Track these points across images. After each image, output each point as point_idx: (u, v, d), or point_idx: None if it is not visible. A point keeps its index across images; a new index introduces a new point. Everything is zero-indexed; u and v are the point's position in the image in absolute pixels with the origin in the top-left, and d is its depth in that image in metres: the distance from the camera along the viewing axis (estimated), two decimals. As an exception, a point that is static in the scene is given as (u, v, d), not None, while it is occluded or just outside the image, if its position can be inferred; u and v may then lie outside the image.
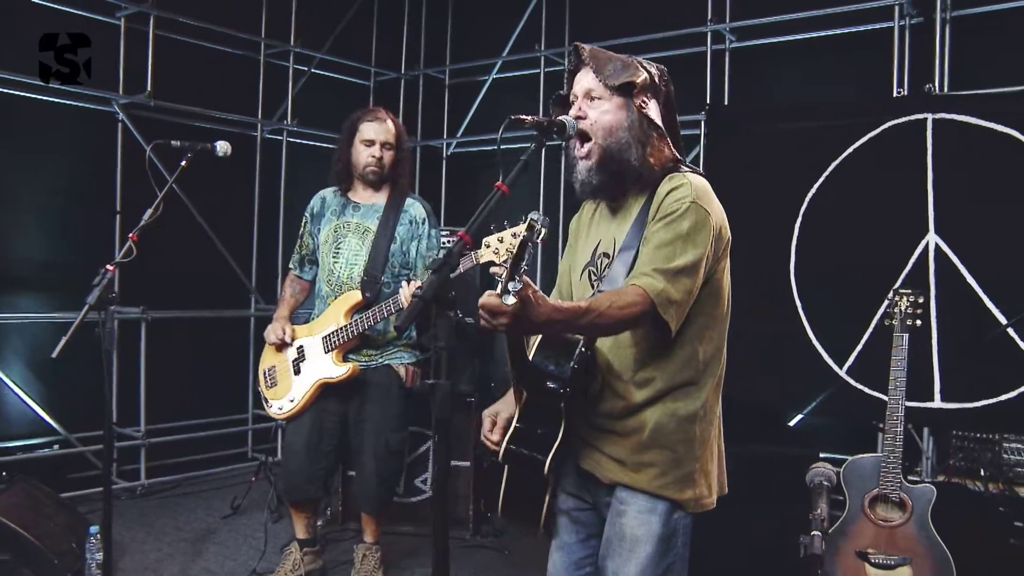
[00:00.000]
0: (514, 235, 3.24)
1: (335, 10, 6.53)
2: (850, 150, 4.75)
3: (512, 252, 1.68)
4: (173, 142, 3.27)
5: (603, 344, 2.18)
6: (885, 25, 4.92)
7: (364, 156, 3.83)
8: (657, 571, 2.13)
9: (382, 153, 3.83)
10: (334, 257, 3.87)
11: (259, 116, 6.02)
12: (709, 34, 5.49)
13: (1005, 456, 4.25)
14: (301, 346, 3.84)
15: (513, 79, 6.73)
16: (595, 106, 2.18)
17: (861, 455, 3.40)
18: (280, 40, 6.07)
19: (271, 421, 6.06)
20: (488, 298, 1.75)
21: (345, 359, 3.77)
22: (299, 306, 4.10)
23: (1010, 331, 4.22)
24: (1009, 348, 4.25)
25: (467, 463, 4.71)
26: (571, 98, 2.25)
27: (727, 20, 5.48)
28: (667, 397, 2.13)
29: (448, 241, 5.01)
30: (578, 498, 2.31)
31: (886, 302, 4.46)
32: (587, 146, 2.17)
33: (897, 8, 4.80)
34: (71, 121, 5.19)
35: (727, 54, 5.55)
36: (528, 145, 2.06)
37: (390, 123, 3.88)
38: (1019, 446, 4.25)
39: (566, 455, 2.17)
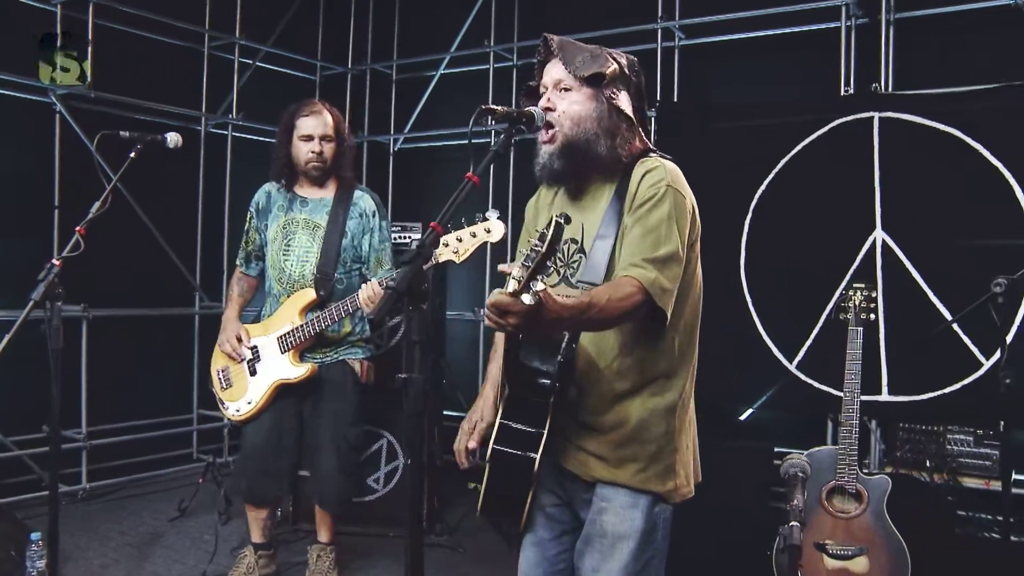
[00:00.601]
0: (472, 234, 3.22)
1: (280, 2, 6.40)
2: (799, 147, 4.81)
3: (538, 250, 1.62)
4: (122, 133, 3.16)
5: (583, 336, 2.16)
6: (832, 25, 5.00)
7: (304, 152, 3.74)
8: (636, 567, 2.14)
9: (322, 147, 3.74)
10: (284, 255, 3.78)
11: (203, 109, 5.88)
12: (659, 31, 5.52)
13: (949, 447, 4.36)
14: (255, 346, 3.76)
15: (461, 75, 6.68)
16: (564, 97, 2.19)
17: (817, 448, 3.45)
18: (225, 32, 5.92)
19: (217, 421, 5.95)
20: (500, 296, 1.70)
21: (302, 359, 3.70)
22: (247, 304, 4.00)
23: (955, 327, 4.31)
24: (953, 342, 4.34)
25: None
26: (540, 89, 2.24)
27: (676, 18, 5.51)
28: (646, 389, 2.15)
29: (399, 237, 4.97)
30: (554, 494, 2.30)
31: (836, 296, 4.58)
32: (551, 132, 2.17)
33: (844, 9, 4.88)
34: (6, 112, 4.99)
35: (676, 51, 5.58)
36: (485, 140, 2.04)
37: (327, 115, 3.77)
38: (963, 437, 4.36)
39: (550, 452, 2.15)
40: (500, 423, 2.16)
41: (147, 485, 5.42)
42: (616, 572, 2.12)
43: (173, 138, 3.26)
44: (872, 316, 3.49)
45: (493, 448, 2.14)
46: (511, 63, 6.34)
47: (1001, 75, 4.48)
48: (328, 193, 3.83)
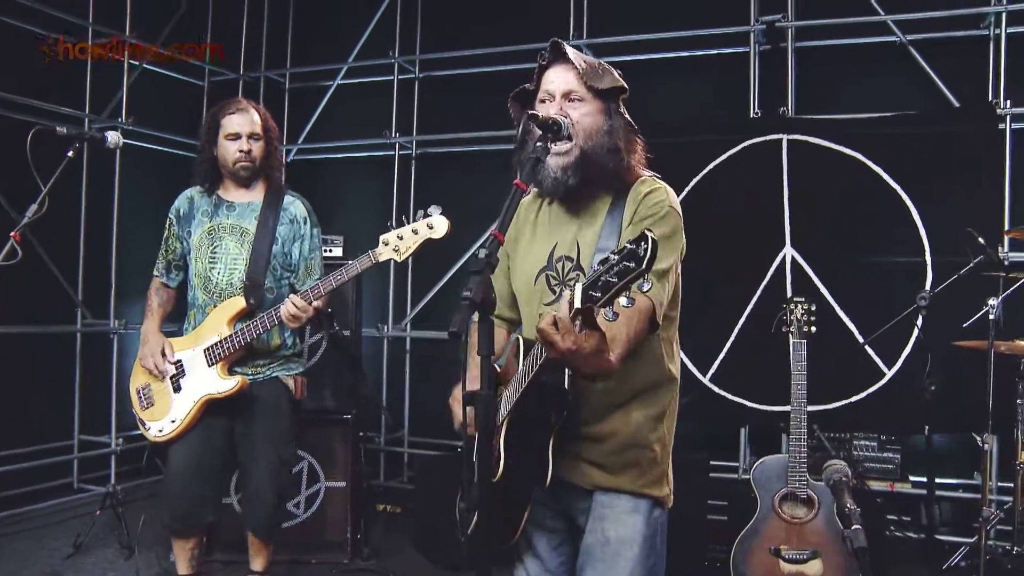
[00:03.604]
0: (414, 231, 3.13)
1: (168, 1, 6.04)
2: (711, 166, 4.98)
3: (629, 268, 1.56)
4: (59, 128, 2.87)
5: None
6: (740, 50, 5.23)
7: (232, 152, 3.51)
8: (643, 573, 2.13)
9: (250, 146, 3.53)
10: (211, 262, 3.53)
11: (87, 111, 5.44)
12: (570, 49, 5.57)
13: (856, 453, 4.61)
14: (179, 361, 3.47)
15: (359, 85, 6.50)
16: (575, 107, 2.14)
17: (768, 456, 3.55)
18: (112, 28, 5.51)
19: (102, 448, 5.49)
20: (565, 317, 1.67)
21: (231, 372, 3.46)
22: (167, 316, 3.71)
23: (860, 338, 4.58)
24: (858, 354, 4.60)
25: (343, 483, 4.46)
26: (542, 96, 2.19)
27: (585, 36, 5.60)
28: (638, 399, 2.16)
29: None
30: (549, 507, 2.25)
31: (750, 308, 4.76)
32: (567, 145, 2.10)
33: (752, 35, 5.11)
34: None
35: (585, 69, 5.66)
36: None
37: (254, 112, 3.57)
38: (867, 443, 4.63)
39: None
40: (506, 440, 2.08)
41: (24, 521, 4.89)
42: None
43: (113, 137, 3.01)
44: (813, 328, 3.63)
45: (506, 463, 2.05)
46: (412, 75, 6.25)
47: (891, 104, 4.83)
48: (256, 196, 3.62)
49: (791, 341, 3.59)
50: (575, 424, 2.12)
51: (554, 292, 2.19)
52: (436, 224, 3.13)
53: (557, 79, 2.16)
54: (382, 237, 3.21)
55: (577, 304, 1.64)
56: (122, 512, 4.50)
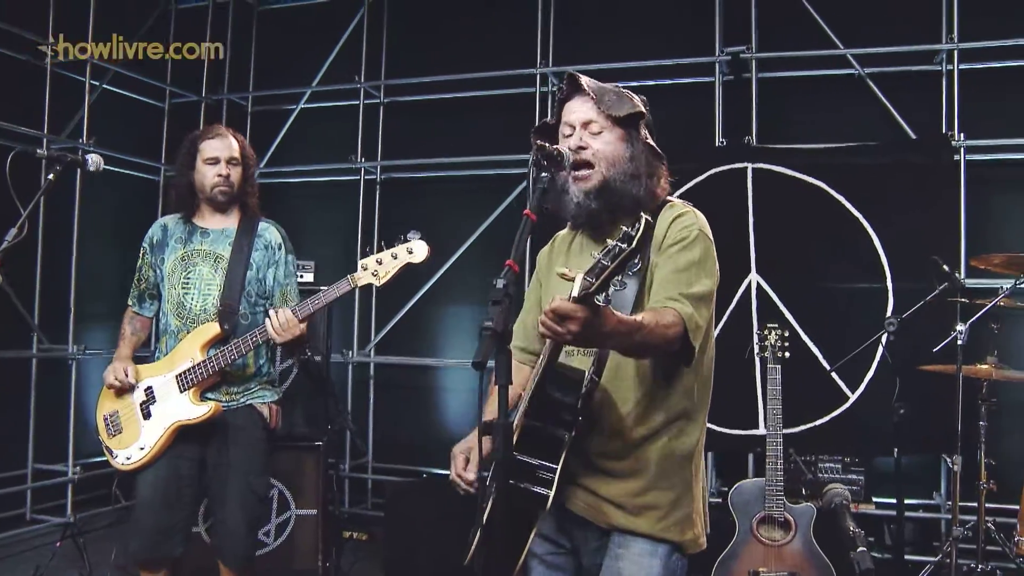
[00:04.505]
0: (394, 256, 3.12)
1: (129, 19, 5.95)
2: (677, 194, 4.99)
3: (623, 249, 1.58)
4: (38, 151, 2.80)
5: (602, 379, 2.10)
6: (706, 80, 5.34)
7: (210, 177, 3.46)
8: None
9: (229, 170, 3.48)
10: (184, 288, 3.47)
11: (45, 130, 5.32)
12: (538, 76, 5.65)
13: (820, 476, 4.69)
14: (150, 387, 3.39)
15: (322, 110, 6.48)
16: (596, 137, 2.15)
17: (745, 480, 3.60)
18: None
19: (58, 476, 5.32)
20: (562, 302, 1.66)
21: (203, 398, 3.39)
22: (141, 344, 3.63)
23: (825, 363, 4.68)
24: (821, 379, 4.70)
25: (314, 511, 4.40)
26: (563, 129, 2.21)
27: (550, 64, 5.67)
28: (664, 433, 2.09)
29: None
30: (554, 542, 2.21)
31: (715, 334, 4.81)
32: (587, 172, 2.13)
33: (716, 65, 5.23)
34: None
35: (550, 96, 5.73)
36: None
37: (232, 138, 3.53)
38: (831, 465, 4.72)
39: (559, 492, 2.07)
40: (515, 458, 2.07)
41: (-25, 554, 4.73)
42: None
43: (94, 160, 2.95)
44: (787, 354, 3.70)
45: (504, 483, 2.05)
46: (378, 100, 6.24)
47: (851, 134, 4.98)
48: (231, 223, 3.57)
49: (768, 366, 3.66)
50: (593, 456, 2.09)
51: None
52: (416, 249, 3.12)
53: (576, 111, 2.18)
54: (361, 261, 3.19)
55: (575, 293, 1.65)
56: (83, 543, 4.36)
